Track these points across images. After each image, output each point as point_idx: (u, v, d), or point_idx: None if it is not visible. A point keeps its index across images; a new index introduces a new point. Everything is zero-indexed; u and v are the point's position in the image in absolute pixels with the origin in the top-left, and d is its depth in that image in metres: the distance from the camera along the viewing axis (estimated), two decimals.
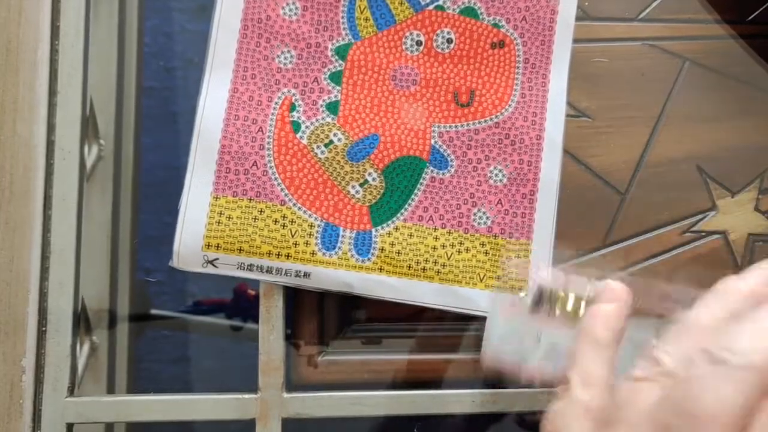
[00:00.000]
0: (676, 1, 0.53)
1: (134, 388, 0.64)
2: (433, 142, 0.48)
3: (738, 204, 0.53)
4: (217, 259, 0.46)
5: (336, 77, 0.47)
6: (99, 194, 0.57)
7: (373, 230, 0.47)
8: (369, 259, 0.47)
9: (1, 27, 0.45)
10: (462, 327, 0.51)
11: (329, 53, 0.47)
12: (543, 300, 0.35)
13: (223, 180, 0.46)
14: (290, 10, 0.47)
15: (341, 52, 0.47)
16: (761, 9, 0.53)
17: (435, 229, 0.48)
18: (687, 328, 0.26)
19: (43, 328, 0.46)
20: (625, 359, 0.29)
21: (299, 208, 0.47)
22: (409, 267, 0.47)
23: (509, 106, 0.48)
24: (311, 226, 0.47)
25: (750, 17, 0.54)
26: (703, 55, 0.53)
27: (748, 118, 0.53)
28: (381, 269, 0.47)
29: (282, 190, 0.47)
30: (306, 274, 0.47)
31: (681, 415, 0.23)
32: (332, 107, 0.47)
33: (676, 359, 0.25)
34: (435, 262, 0.47)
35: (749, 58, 0.53)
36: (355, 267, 0.47)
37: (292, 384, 0.49)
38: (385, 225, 0.47)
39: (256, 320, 0.48)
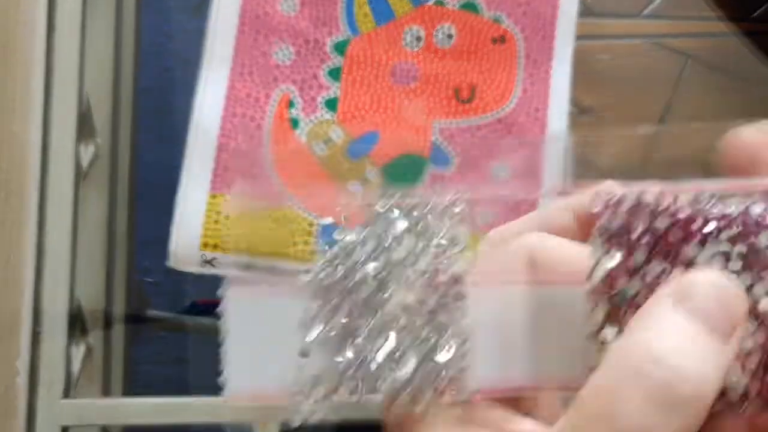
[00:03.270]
0: None
1: (130, 390, 0.63)
2: (434, 138, 0.47)
3: None
4: (214, 258, 0.45)
5: (335, 73, 0.47)
6: (95, 194, 0.57)
7: None
8: None
9: None
10: None
11: (328, 49, 0.47)
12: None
13: (220, 178, 0.46)
14: (288, 5, 0.47)
15: (340, 48, 0.47)
16: (765, 6, 0.53)
17: None
18: None
19: (38, 330, 0.45)
20: None
21: (298, 207, 0.46)
22: None
23: (511, 101, 0.48)
24: (310, 224, 0.46)
25: (754, 14, 0.53)
26: (706, 53, 0.53)
27: (752, 115, 0.53)
28: None
29: (281, 188, 0.46)
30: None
31: None
32: (331, 104, 0.47)
33: None
34: None
35: (753, 56, 0.53)
36: None
37: None
38: None
39: None
